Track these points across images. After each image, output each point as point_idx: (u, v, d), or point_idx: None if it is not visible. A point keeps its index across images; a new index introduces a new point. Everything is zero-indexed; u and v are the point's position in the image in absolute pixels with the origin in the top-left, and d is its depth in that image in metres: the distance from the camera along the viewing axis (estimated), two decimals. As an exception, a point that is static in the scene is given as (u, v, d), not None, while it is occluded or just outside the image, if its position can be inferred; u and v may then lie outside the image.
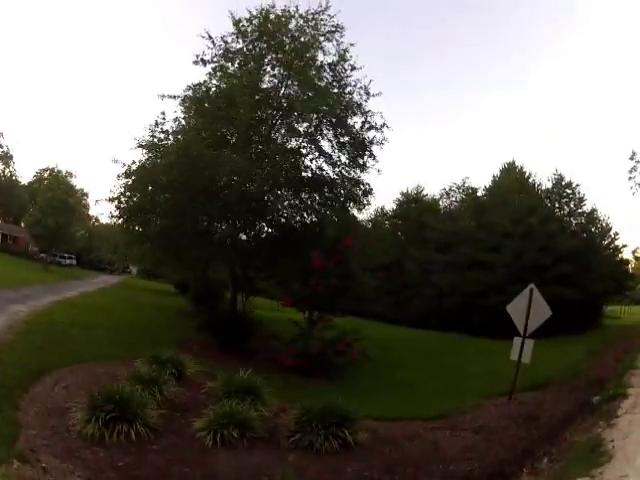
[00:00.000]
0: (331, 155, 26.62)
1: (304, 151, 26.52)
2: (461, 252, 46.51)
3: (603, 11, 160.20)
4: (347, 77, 26.28)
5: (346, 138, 26.26)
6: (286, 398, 13.43)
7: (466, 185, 58.90)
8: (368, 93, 26.15)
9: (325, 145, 26.62)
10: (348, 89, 26.18)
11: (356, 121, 26.31)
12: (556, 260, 41.64)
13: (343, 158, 26.63)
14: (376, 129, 26.21)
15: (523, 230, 43.55)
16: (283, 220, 26.97)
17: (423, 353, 28.02)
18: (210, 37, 25.63)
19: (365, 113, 26.13)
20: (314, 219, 26.67)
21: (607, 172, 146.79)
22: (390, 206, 60.61)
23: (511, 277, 38.67)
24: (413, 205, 57.47)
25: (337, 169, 26.68)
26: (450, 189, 60.59)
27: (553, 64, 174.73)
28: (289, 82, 25.59)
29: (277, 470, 9.24)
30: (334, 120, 25.29)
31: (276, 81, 25.87)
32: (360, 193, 26.69)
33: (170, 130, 25.46)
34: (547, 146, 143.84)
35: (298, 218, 27.09)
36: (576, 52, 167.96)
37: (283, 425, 11.30)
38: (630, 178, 37.40)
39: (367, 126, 26.20)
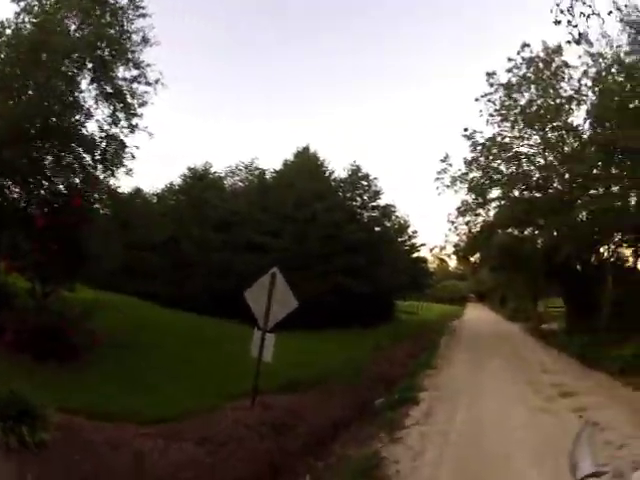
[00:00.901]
0: (83, 105, 22.88)
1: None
2: (240, 233, 43.97)
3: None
4: (131, 23, 23.37)
5: (109, 89, 23.01)
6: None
7: (254, 165, 55.82)
8: (147, 41, 23.36)
9: (88, 96, 23.00)
10: (132, 36, 23.30)
11: (134, 74, 23.30)
12: (343, 250, 40.45)
13: (105, 112, 23.10)
14: (149, 84, 23.40)
15: (307, 215, 41.84)
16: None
17: (190, 338, 24.58)
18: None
19: (138, 65, 23.20)
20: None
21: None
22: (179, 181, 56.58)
23: (291, 263, 36.50)
24: (198, 182, 53.76)
25: (94, 122, 23.04)
26: (237, 168, 57.34)
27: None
28: (82, 26, 22.42)
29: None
30: (96, 65, 22.25)
31: (73, 26, 22.52)
32: (113, 152, 23.12)
33: None
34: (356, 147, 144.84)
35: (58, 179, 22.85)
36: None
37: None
38: (438, 179, 38.35)
39: (142, 80, 23.35)
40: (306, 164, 48.26)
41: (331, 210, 42.21)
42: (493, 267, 50.53)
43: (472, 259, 45.80)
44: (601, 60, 28.42)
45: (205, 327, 28.84)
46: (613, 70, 27.32)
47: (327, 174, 49.36)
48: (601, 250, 34.05)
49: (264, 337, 12.82)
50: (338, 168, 51.12)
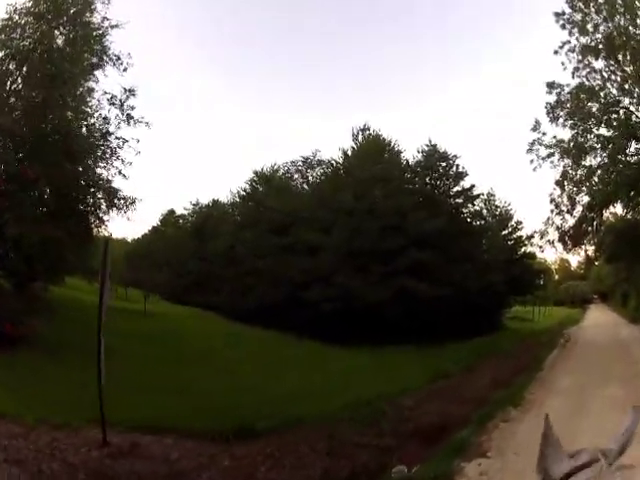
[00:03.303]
0: None
1: None
2: (296, 234, 37.47)
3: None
4: None
5: None
6: None
7: (316, 158, 48.77)
8: None
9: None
10: None
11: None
12: (410, 245, 33.02)
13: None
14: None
15: (365, 206, 34.70)
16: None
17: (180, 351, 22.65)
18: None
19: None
20: None
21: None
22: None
23: (342, 264, 31.52)
24: (266, 184, 48.80)
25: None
26: (295, 163, 50.66)
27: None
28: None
29: None
30: None
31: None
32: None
33: None
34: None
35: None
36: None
37: None
38: (531, 150, 30.87)
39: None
40: (369, 148, 40.99)
41: (392, 196, 34.98)
42: (609, 257, 42.70)
43: (585, 248, 37.05)
44: None
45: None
46: None
47: (394, 156, 41.89)
48: None
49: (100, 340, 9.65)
50: (410, 150, 45.02)
